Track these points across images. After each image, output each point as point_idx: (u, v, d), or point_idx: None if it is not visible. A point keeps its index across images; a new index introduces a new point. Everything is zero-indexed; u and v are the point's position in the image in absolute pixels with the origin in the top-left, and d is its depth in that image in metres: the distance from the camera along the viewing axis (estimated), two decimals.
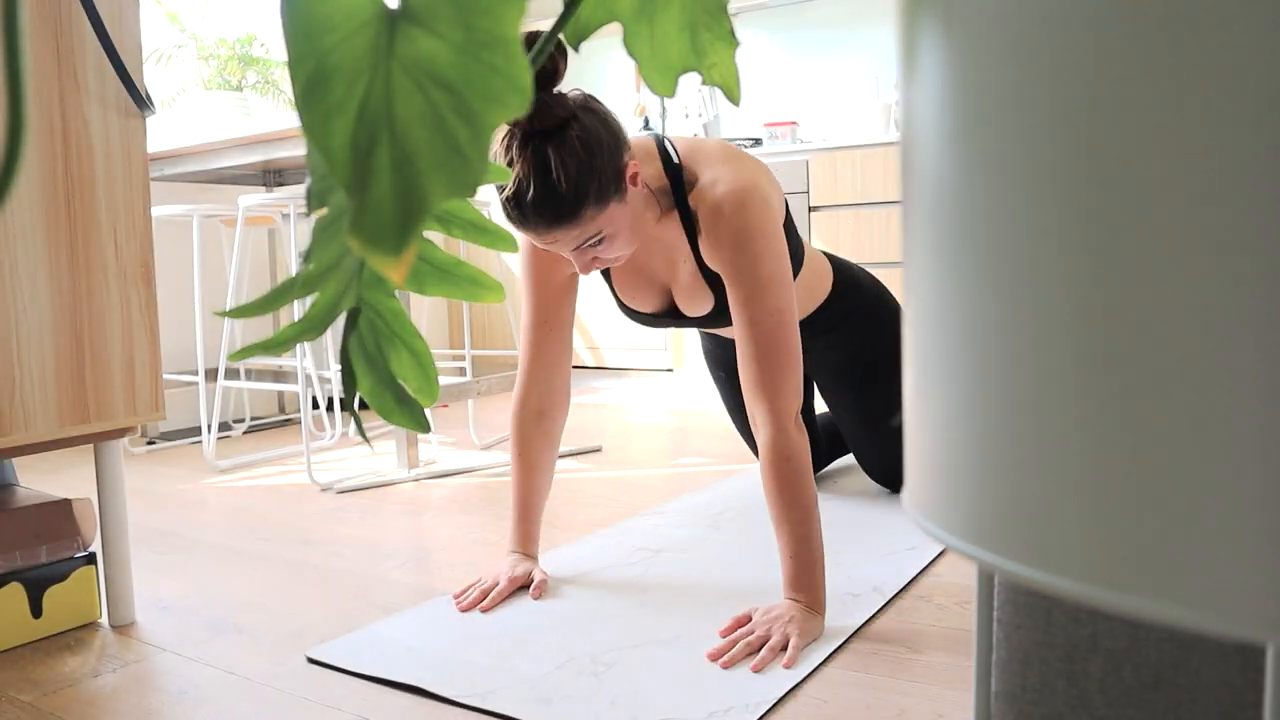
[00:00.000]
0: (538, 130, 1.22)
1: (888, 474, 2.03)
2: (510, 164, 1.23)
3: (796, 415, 1.35)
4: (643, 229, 1.39)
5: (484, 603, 1.45)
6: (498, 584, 1.48)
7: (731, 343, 1.94)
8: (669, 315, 1.64)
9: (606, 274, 1.63)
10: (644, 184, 1.38)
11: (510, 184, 1.23)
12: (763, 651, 1.23)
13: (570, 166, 1.22)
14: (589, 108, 1.27)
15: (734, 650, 1.24)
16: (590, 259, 1.35)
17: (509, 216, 1.26)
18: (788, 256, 1.39)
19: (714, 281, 1.50)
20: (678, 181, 1.42)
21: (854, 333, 1.92)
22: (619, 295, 1.65)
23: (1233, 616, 0.25)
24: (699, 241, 1.43)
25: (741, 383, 1.38)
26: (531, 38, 1.05)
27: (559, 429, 1.58)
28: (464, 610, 1.44)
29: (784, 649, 1.24)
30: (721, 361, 2.12)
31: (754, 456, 2.33)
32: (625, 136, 1.31)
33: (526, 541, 1.57)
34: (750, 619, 1.31)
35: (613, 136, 1.28)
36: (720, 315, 1.57)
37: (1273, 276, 0.24)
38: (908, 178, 0.36)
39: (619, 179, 1.29)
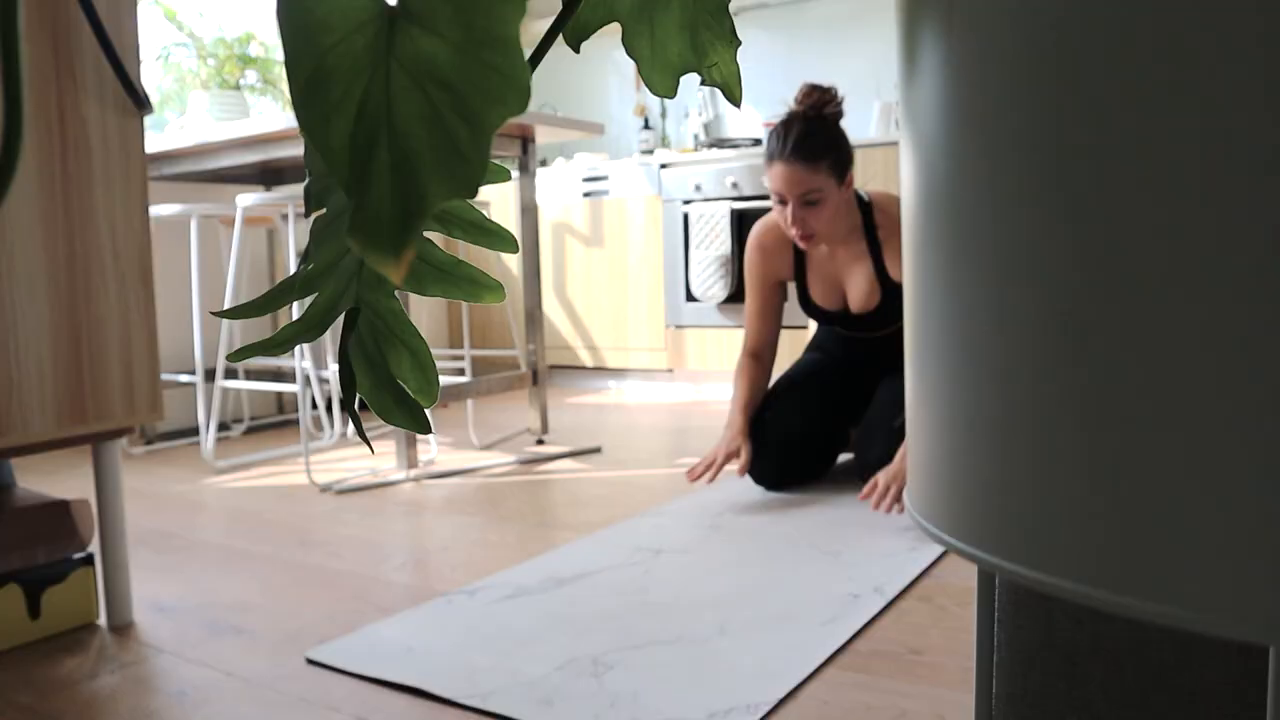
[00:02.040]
0: (813, 113, 1.92)
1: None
2: (789, 116, 1.93)
3: None
4: (843, 222, 1.99)
5: (708, 474, 1.99)
6: (716, 460, 2.00)
7: (860, 347, 2.29)
8: (841, 315, 2.16)
9: (801, 271, 2.16)
10: (853, 194, 2.00)
11: (783, 120, 1.92)
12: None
13: (831, 133, 1.91)
14: (840, 120, 1.95)
15: (890, 494, 1.79)
16: (802, 216, 1.91)
17: (768, 145, 1.93)
18: None
19: (887, 287, 2.04)
20: (867, 212, 2.05)
21: None
22: (808, 288, 2.17)
23: (1234, 618, 0.25)
24: (884, 257, 2.02)
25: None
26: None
27: (770, 361, 2.21)
28: (692, 480, 2.01)
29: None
30: (839, 360, 2.39)
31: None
32: (852, 156, 1.96)
33: (740, 425, 2.08)
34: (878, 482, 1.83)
35: (849, 147, 1.96)
36: (884, 316, 2.09)
37: (1270, 281, 0.24)
38: (908, 178, 0.35)
39: (846, 169, 1.93)
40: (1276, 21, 0.23)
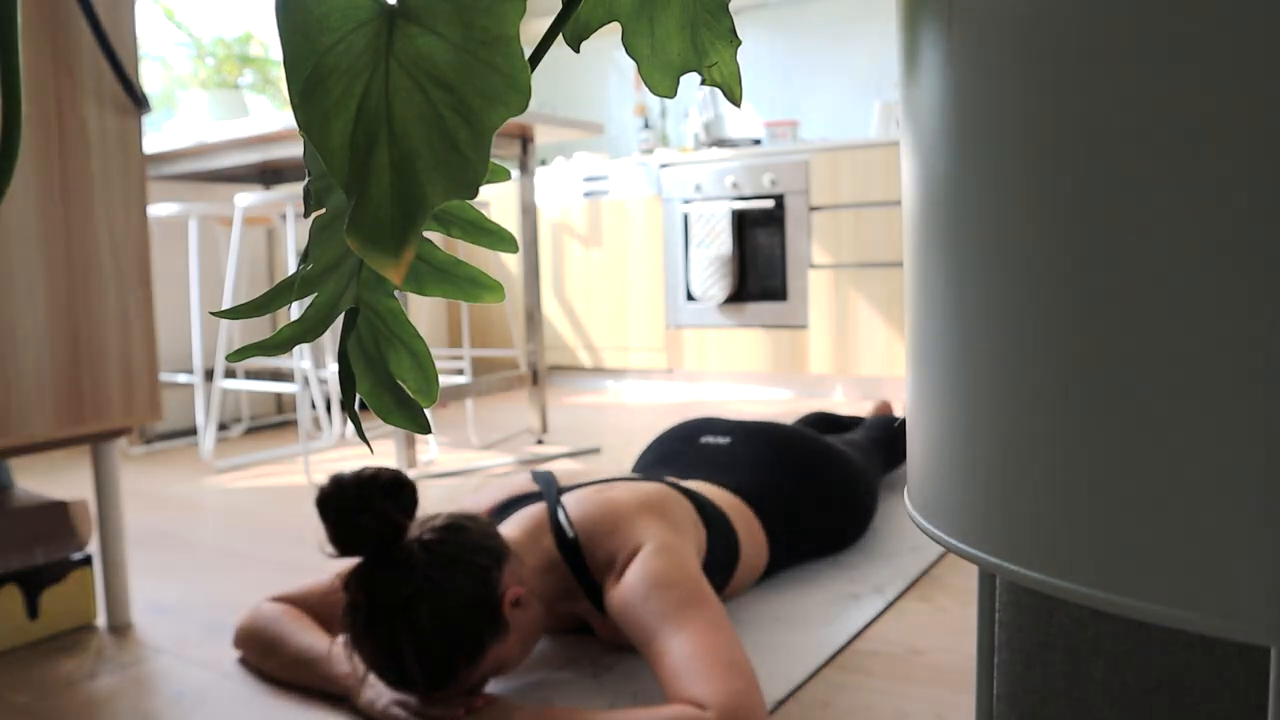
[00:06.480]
0: (382, 607, 1.03)
1: None
2: (357, 645, 1.05)
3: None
4: (537, 633, 1.19)
5: None
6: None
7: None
8: (580, 630, 1.37)
9: None
10: (530, 598, 1.16)
11: (366, 660, 1.06)
12: None
13: (425, 649, 1.03)
14: (443, 555, 1.06)
15: None
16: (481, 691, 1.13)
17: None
18: (707, 589, 1.16)
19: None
20: (576, 560, 1.23)
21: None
22: None
23: (1236, 619, 0.25)
24: (604, 594, 1.21)
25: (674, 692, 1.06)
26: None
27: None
28: None
29: None
30: None
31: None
32: (499, 558, 1.11)
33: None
34: None
35: (478, 581, 1.07)
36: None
37: (1267, 279, 0.24)
38: (908, 178, 0.35)
39: (494, 625, 1.08)
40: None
